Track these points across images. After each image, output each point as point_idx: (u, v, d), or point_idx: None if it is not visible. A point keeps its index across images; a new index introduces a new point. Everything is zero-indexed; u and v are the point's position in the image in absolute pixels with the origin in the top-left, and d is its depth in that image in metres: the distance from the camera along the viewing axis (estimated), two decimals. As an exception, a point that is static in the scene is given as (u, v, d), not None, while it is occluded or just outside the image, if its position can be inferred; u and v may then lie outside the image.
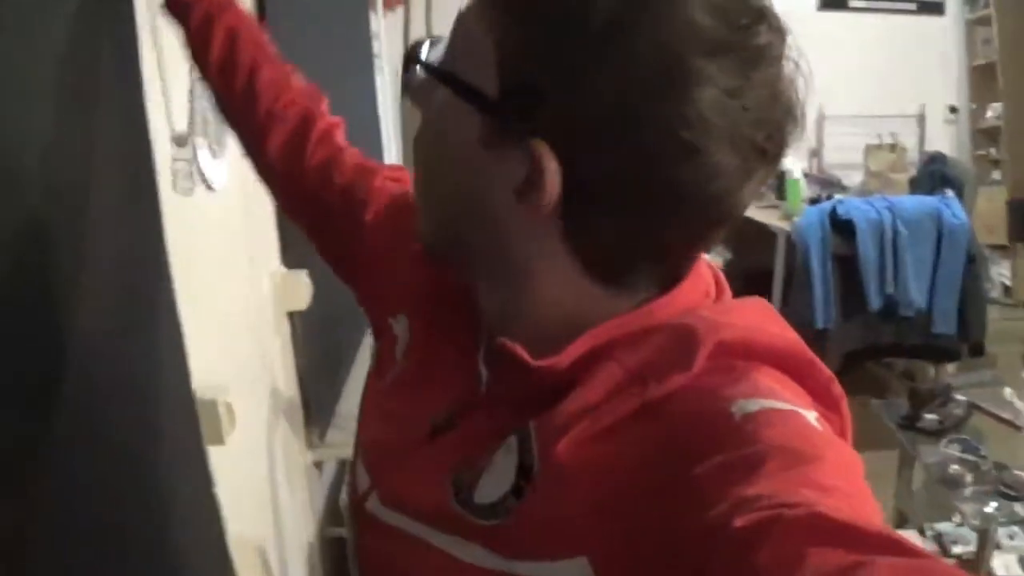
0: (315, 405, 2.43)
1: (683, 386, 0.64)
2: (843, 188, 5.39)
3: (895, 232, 4.23)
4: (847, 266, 4.26)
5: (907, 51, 6.09)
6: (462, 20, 0.69)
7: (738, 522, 0.51)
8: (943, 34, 6.19)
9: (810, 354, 0.69)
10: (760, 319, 0.71)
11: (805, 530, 0.50)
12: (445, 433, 0.76)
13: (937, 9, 6.18)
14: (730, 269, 4.90)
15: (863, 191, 5.20)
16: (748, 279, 3.74)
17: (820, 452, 0.58)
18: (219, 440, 1.40)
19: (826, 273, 4.26)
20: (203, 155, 1.60)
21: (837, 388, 0.68)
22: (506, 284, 0.72)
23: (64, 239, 1.00)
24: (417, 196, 0.77)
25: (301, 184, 1.07)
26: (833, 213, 4.32)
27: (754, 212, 5.11)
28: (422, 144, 0.74)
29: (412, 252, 0.82)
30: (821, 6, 6.10)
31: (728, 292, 0.76)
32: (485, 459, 0.70)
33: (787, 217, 4.75)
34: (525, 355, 0.67)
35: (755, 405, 0.61)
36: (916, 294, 4.25)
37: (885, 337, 4.34)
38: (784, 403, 0.62)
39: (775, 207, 5.12)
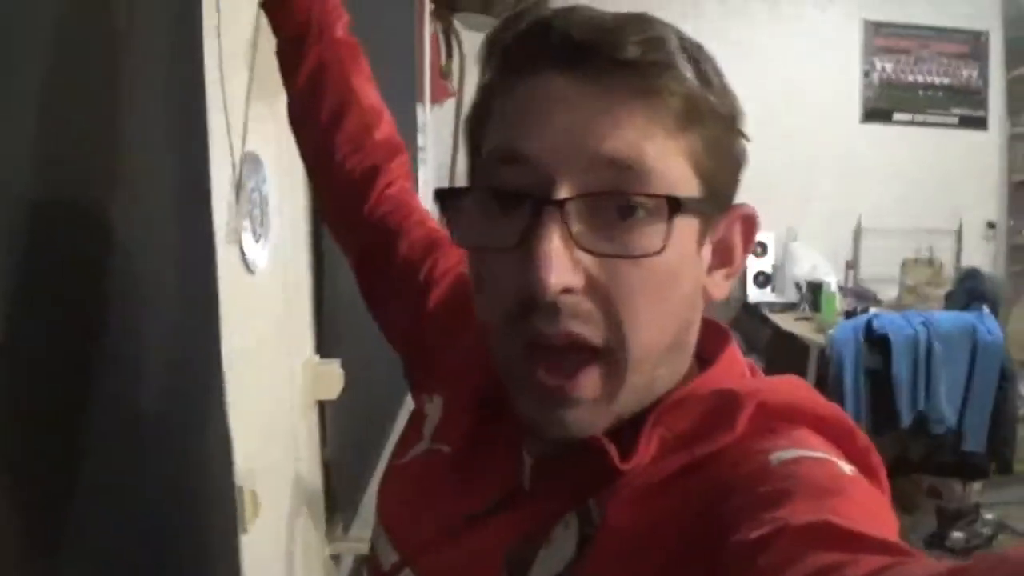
0: (340, 496, 2.41)
1: (727, 444, 0.68)
2: (878, 302, 5.36)
3: (929, 349, 4.19)
4: (879, 380, 4.21)
5: (947, 165, 6.11)
6: (639, 154, 0.66)
7: (752, 535, 0.55)
8: (984, 149, 6.21)
9: (850, 422, 0.72)
10: (799, 389, 0.74)
11: (810, 535, 0.53)
12: (491, 517, 0.76)
13: (980, 124, 6.21)
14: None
15: (898, 305, 5.17)
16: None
17: (848, 490, 0.60)
18: (242, 528, 1.39)
19: (858, 387, 4.21)
20: (246, 238, 1.62)
21: (876, 457, 0.70)
22: (675, 356, 0.74)
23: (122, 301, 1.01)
24: (627, 372, 0.70)
25: (361, 238, 1.08)
26: (868, 327, 4.29)
27: (788, 324, 5.10)
28: (645, 301, 0.68)
29: (466, 341, 0.85)
30: (864, 118, 6.15)
31: (762, 375, 0.79)
32: (541, 537, 0.71)
33: (821, 330, 4.72)
34: (616, 457, 0.69)
35: (792, 453, 0.64)
36: (948, 411, 4.19)
37: (914, 453, 4.28)
38: (821, 453, 0.65)
39: (808, 319, 5.09)
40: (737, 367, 0.77)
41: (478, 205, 0.70)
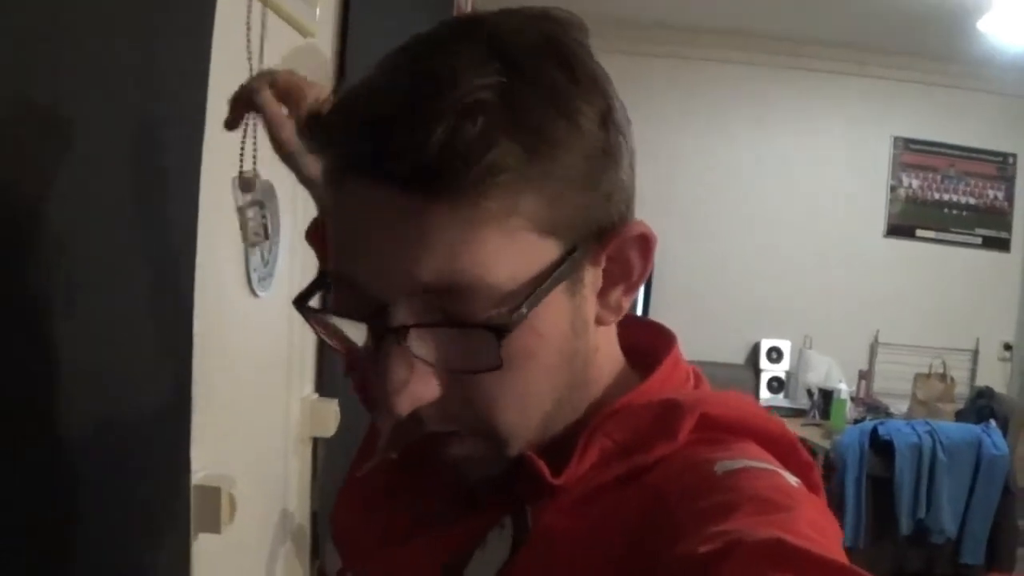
0: (325, 534, 2.43)
1: (669, 453, 0.68)
2: (889, 415, 5.35)
3: (934, 457, 4.18)
4: (881, 487, 4.21)
5: (967, 284, 6.13)
6: (457, 272, 0.62)
7: (703, 548, 0.54)
8: (1005, 270, 6.24)
9: (793, 436, 0.72)
10: (743, 401, 0.74)
11: (763, 554, 0.52)
12: (433, 528, 0.76)
13: (1003, 245, 6.25)
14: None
15: (908, 418, 5.16)
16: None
17: (795, 504, 0.60)
18: (216, 528, 1.44)
19: (860, 493, 4.20)
20: (253, 260, 1.70)
21: (816, 476, 0.70)
22: (566, 404, 0.72)
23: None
24: (507, 429, 0.69)
25: None
26: (874, 433, 4.29)
27: (795, 428, 5.08)
28: (506, 392, 0.67)
29: None
30: (887, 233, 6.21)
31: (707, 384, 0.79)
32: (478, 540, 0.72)
33: (828, 436, 4.71)
34: (547, 474, 0.68)
35: (738, 464, 0.64)
36: (948, 522, 4.16)
37: (913, 563, 4.23)
38: (767, 464, 0.65)
39: (817, 425, 5.08)
40: (680, 372, 0.78)
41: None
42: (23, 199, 0.95)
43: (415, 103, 0.60)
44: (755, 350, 6.07)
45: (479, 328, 0.62)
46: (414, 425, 0.68)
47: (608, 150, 0.66)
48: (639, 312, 5.31)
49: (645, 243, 0.70)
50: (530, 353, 0.66)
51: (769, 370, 6.00)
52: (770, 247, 6.05)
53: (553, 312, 0.66)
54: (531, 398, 0.68)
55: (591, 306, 0.70)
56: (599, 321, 0.72)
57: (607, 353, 0.76)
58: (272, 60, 1.62)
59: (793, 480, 0.64)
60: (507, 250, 0.63)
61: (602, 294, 0.71)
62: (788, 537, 0.53)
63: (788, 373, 6.00)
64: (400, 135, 0.60)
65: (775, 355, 6.00)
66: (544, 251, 0.64)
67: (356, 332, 0.68)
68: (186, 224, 1.35)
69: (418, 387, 0.65)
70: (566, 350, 0.69)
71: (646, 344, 0.79)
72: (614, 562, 0.63)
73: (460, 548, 0.72)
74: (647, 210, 0.75)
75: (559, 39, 0.65)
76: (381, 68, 0.65)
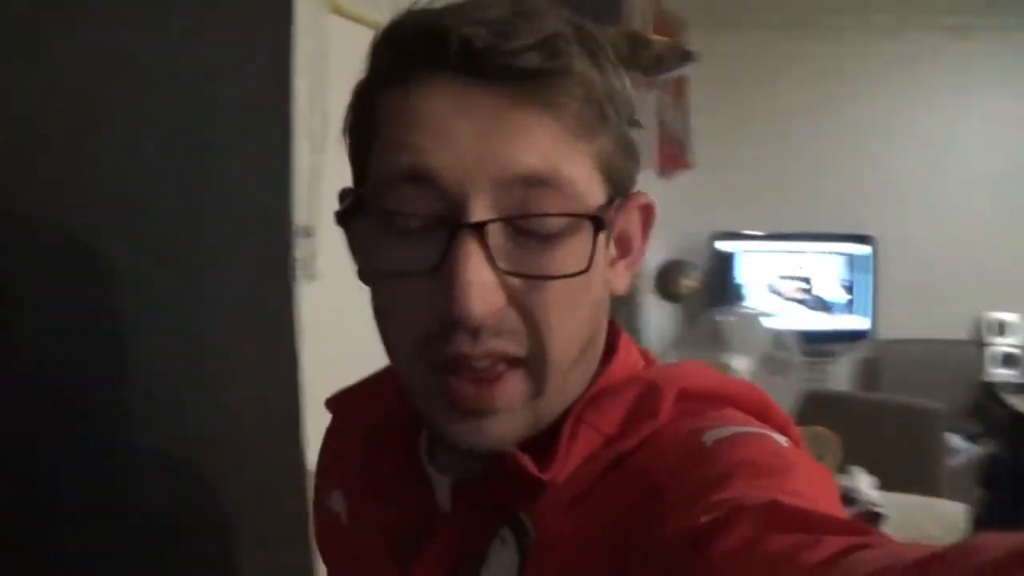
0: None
1: (653, 433, 0.68)
2: None
3: None
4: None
5: None
6: (553, 167, 0.64)
7: (703, 519, 0.54)
8: None
9: (766, 396, 0.73)
10: (709, 371, 0.75)
11: (765, 517, 0.51)
12: (421, 552, 0.74)
13: None
14: (993, 462, 4.47)
15: None
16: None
17: (790, 466, 0.60)
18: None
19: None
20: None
21: (795, 432, 0.71)
22: (580, 367, 0.71)
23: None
24: (542, 389, 0.68)
25: None
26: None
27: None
28: (565, 313, 0.67)
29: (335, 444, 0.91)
30: None
31: (658, 361, 0.80)
32: (478, 557, 0.70)
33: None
34: (534, 469, 0.67)
35: (727, 431, 0.64)
36: None
37: None
38: (755, 428, 0.66)
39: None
40: (633, 352, 0.78)
41: (382, 226, 0.66)
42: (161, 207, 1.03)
43: (515, 16, 0.63)
44: (978, 324, 5.57)
45: (581, 219, 0.64)
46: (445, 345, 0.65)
47: (633, 121, 0.71)
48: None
49: (647, 214, 0.74)
50: (590, 281, 0.67)
51: (997, 344, 5.49)
52: (996, 214, 5.51)
53: (598, 251, 0.67)
54: (583, 325, 0.69)
55: (608, 273, 0.72)
56: (613, 291, 0.73)
57: (604, 328, 0.76)
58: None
59: (783, 439, 0.65)
60: (585, 169, 0.66)
61: (612, 265, 0.73)
62: (785, 498, 0.53)
63: (1020, 347, 5.47)
64: (502, 41, 0.62)
65: (1001, 328, 5.50)
66: (599, 190, 0.67)
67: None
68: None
69: (490, 291, 0.63)
70: (601, 295, 0.71)
71: None
72: (618, 552, 0.62)
73: (458, 562, 0.71)
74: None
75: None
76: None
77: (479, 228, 0.62)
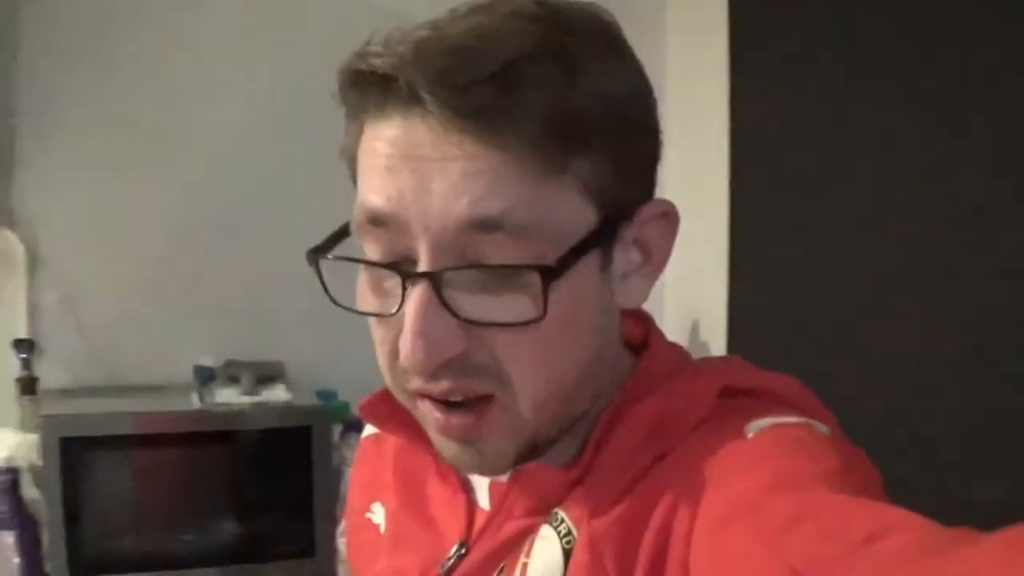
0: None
1: (696, 428, 0.67)
2: None
3: None
4: None
5: None
6: (506, 210, 0.60)
7: (760, 504, 0.54)
8: None
9: (809, 390, 0.72)
10: (749, 365, 0.75)
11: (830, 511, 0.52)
12: (462, 562, 0.74)
13: None
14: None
15: None
16: None
17: (827, 453, 0.60)
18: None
19: None
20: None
21: (833, 420, 0.69)
22: (586, 385, 0.69)
23: None
24: (532, 413, 0.66)
25: None
26: None
27: None
28: (535, 356, 0.64)
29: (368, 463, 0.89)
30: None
31: (690, 356, 0.78)
32: (520, 555, 0.70)
33: None
34: (555, 473, 0.69)
35: (767, 422, 0.64)
36: None
37: None
38: (796, 417, 0.65)
39: None
40: (668, 347, 0.77)
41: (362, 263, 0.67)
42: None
43: (468, 46, 0.59)
44: None
45: (528, 270, 0.61)
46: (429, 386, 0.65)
47: (641, 126, 0.67)
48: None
49: (668, 223, 0.70)
50: (562, 317, 0.63)
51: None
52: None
53: (586, 283, 0.65)
54: (565, 363, 0.66)
55: (617, 290, 0.69)
56: (621, 304, 0.70)
57: (616, 339, 0.74)
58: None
59: (824, 427, 0.65)
60: (557, 202, 0.62)
61: (625, 277, 0.69)
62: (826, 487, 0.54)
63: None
64: (453, 76, 0.58)
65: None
66: (586, 216, 0.64)
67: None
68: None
69: (443, 339, 0.61)
70: (594, 328, 0.68)
71: (627, 329, 0.78)
72: (658, 545, 0.62)
73: (505, 566, 0.71)
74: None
75: (609, 22, 0.67)
76: (427, 23, 0.63)
77: (432, 276, 0.61)
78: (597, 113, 0.62)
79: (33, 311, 2.25)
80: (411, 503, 0.80)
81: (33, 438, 1.95)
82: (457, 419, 0.65)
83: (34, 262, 2.25)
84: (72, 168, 2.27)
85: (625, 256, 0.68)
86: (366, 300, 0.66)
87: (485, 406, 0.64)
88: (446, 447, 0.68)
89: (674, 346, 0.77)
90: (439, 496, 0.78)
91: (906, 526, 0.47)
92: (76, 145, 2.28)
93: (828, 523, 0.50)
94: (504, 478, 0.72)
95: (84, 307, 2.28)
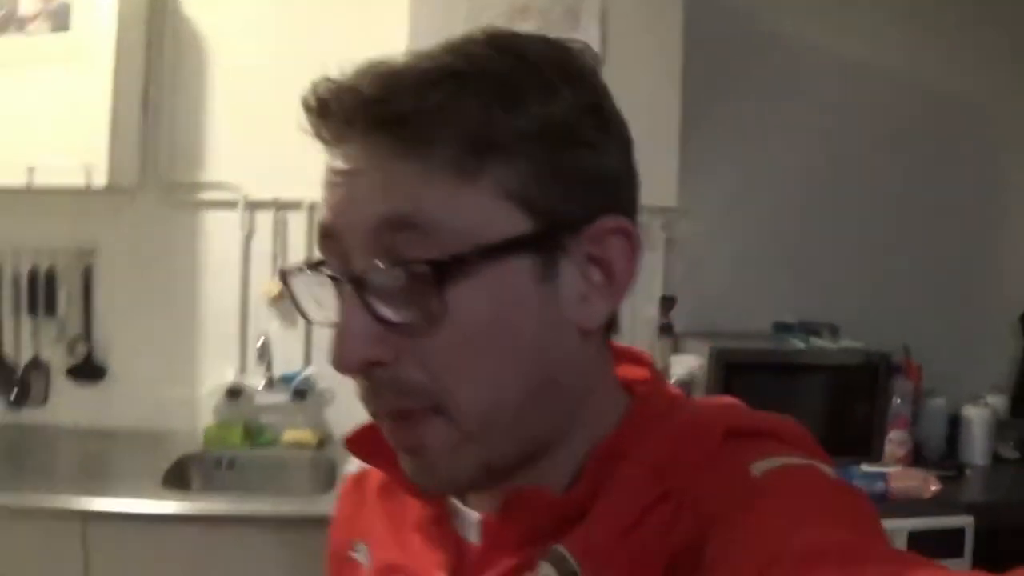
0: None
1: (701, 468, 0.66)
2: None
3: None
4: None
5: None
6: (415, 208, 0.62)
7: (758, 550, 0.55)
8: None
9: (806, 431, 0.72)
10: (747, 407, 0.74)
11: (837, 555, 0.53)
12: None
13: None
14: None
15: None
16: None
17: (832, 497, 0.62)
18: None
19: None
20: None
21: (831, 462, 0.69)
22: (547, 408, 0.68)
23: None
24: (475, 430, 0.65)
25: None
26: None
27: None
28: (463, 362, 0.63)
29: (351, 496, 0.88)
30: None
31: (690, 397, 0.81)
32: None
33: None
34: (551, 496, 0.68)
35: (775, 463, 0.64)
36: None
37: None
38: (802, 459, 0.66)
39: None
40: (665, 383, 0.77)
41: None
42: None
43: (397, 68, 0.63)
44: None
45: (420, 265, 0.60)
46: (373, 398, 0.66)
47: (581, 140, 0.66)
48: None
49: (627, 241, 0.67)
50: (485, 320, 0.63)
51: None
52: None
53: (515, 288, 0.63)
54: (493, 378, 0.64)
55: (571, 307, 0.66)
56: (581, 328, 0.67)
57: (602, 372, 0.73)
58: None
59: (828, 469, 0.66)
60: (471, 205, 0.62)
61: (583, 298, 0.67)
62: (833, 532, 0.56)
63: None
64: (384, 89, 0.62)
65: None
66: (512, 222, 0.63)
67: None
68: None
69: (365, 341, 0.62)
70: (534, 340, 0.65)
71: (626, 370, 0.78)
72: None
73: None
74: None
75: (574, 52, 0.68)
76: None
77: (357, 279, 0.62)
78: (524, 126, 0.63)
79: (666, 277, 3.17)
80: (395, 542, 0.79)
81: (701, 361, 2.84)
82: (403, 431, 0.66)
83: (670, 243, 3.17)
84: (713, 168, 3.14)
85: (581, 273, 0.66)
86: (316, 316, 0.68)
87: (426, 418, 0.64)
88: (404, 462, 0.68)
89: (673, 387, 0.78)
90: (424, 533, 0.76)
91: None
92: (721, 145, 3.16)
93: None
94: (494, 511, 0.70)
95: (701, 277, 3.20)
